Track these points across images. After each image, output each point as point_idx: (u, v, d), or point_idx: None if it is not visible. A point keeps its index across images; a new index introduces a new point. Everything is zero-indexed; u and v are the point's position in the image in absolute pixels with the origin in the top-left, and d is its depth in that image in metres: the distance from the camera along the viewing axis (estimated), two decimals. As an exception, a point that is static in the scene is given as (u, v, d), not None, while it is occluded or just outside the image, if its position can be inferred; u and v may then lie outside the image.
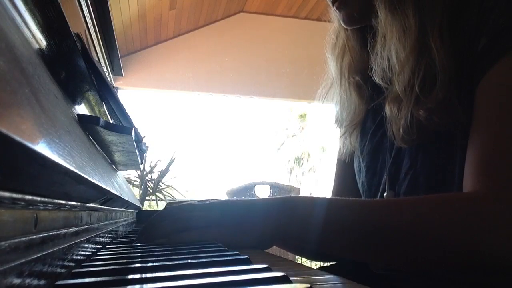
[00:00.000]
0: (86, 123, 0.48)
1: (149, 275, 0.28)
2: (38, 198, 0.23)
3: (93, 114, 0.66)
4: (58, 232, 0.28)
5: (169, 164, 3.71)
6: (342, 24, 0.67)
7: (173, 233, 0.51)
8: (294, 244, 0.66)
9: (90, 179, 0.30)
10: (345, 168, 0.78)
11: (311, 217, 0.50)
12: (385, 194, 0.63)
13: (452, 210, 0.46)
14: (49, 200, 0.25)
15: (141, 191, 3.47)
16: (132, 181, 3.49)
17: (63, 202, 0.29)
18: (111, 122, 0.60)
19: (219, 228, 0.51)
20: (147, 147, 0.95)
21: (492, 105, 0.49)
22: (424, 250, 0.47)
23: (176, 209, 0.54)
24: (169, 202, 0.67)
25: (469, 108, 0.51)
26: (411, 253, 0.48)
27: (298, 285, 0.24)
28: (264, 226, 0.51)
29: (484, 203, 0.45)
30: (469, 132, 0.51)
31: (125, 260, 0.37)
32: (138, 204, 1.16)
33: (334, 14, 0.69)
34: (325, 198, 0.54)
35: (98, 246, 0.47)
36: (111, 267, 0.32)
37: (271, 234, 0.52)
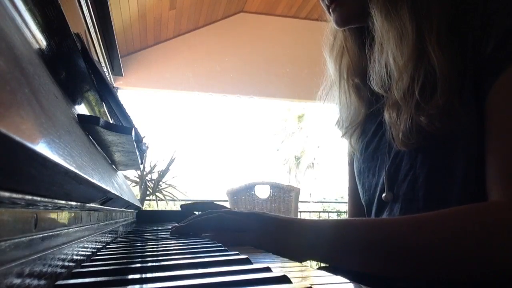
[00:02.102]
0: (86, 123, 0.48)
1: (149, 275, 0.28)
2: (38, 198, 0.23)
3: (93, 114, 0.66)
4: (58, 232, 0.28)
5: (169, 164, 3.70)
6: (335, 25, 0.67)
7: (220, 231, 0.58)
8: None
9: (90, 179, 0.30)
10: (353, 168, 0.79)
11: (335, 240, 0.52)
12: (384, 195, 0.62)
13: (483, 221, 0.45)
14: (49, 200, 0.25)
15: (141, 191, 3.47)
16: (132, 181, 3.49)
17: (63, 202, 0.29)
18: (111, 122, 0.60)
19: (256, 235, 0.55)
20: (147, 147, 0.95)
21: (508, 110, 0.48)
22: (457, 264, 0.46)
23: (222, 212, 0.61)
24: (203, 202, 0.73)
25: (473, 111, 0.51)
26: (446, 269, 0.47)
27: (298, 285, 0.24)
28: (293, 246, 0.54)
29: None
30: (473, 134, 0.50)
31: (125, 260, 0.37)
32: (138, 204, 1.16)
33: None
34: (343, 219, 0.56)
35: (98, 246, 0.47)
36: (111, 267, 0.32)
37: (300, 255, 0.54)
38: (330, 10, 0.65)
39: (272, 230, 0.56)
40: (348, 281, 0.30)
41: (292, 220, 0.57)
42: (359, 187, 0.72)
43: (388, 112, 0.58)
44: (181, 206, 0.78)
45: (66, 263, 0.30)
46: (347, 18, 0.64)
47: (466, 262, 0.45)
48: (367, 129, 0.69)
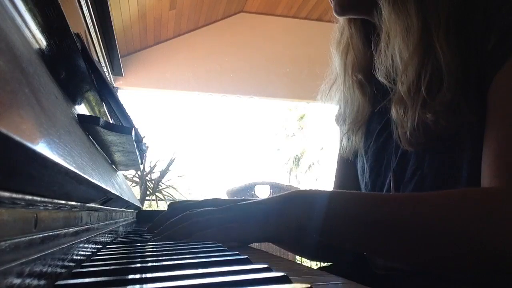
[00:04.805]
0: (86, 123, 0.48)
1: (149, 275, 0.28)
2: (38, 198, 0.23)
3: (93, 114, 0.66)
4: (58, 232, 0.28)
5: (169, 164, 3.70)
6: (334, 14, 0.67)
7: (196, 232, 0.53)
8: (296, 241, 0.66)
9: (90, 179, 0.30)
10: (346, 166, 0.78)
11: (321, 210, 0.50)
12: None
13: (471, 205, 0.45)
14: (49, 200, 0.25)
15: (141, 191, 3.47)
16: (132, 181, 3.49)
17: (63, 202, 0.29)
18: (111, 122, 0.60)
19: (234, 225, 0.53)
20: (147, 147, 0.95)
21: (507, 102, 0.48)
22: (442, 247, 0.45)
23: (192, 215, 0.57)
24: (172, 202, 0.69)
25: (478, 109, 0.50)
26: (428, 251, 0.47)
27: (298, 285, 0.24)
28: (276, 222, 0.52)
29: (504, 197, 0.44)
30: (478, 133, 0.50)
31: (125, 260, 0.37)
32: (138, 204, 1.16)
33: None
34: (336, 190, 0.54)
35: (98, 246, 0.47)
36: (111, 267, 0.32)
37: (283, 230, 0.53)
38: None
39: (246, 211, 0.54)
40: (348, 281, 0.30)
41: (266, 198, 0.56)
42: (361, 186, 0.72)
43: (395, 108, 0.57)
44: (170, 204, 0.74)
45: (66, 263, 0.30)
46: (346, 5, 0.64)
47: (454, 246, 0.45)
48: (373, 129, 0.69)
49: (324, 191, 0.53)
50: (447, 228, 0.45)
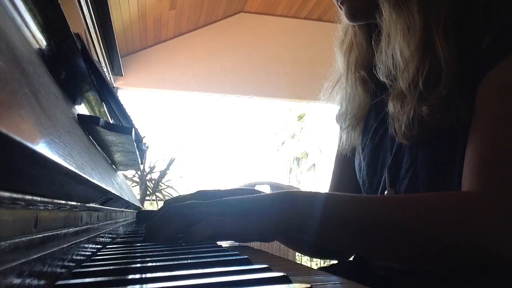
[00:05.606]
0: (86, 123, 0.48)
1: (149, 275, 0.28)
2: (38, 198, 0.23)
3: (93, 114, 0.66)
4: (58, 232, 0.28)
5: (169, 164, 3.71)
6: (346, 20, 0.67)
7: (184, 228, 0.51)
8: (294, 238, 0.66)
9: (90, 179, 0.30)
10: (344, 164, 0.78)
11: (311, 211, 0.50)
12: (386, 192, 0.63)
13: (450, 208, 0.45)
14: (49, 200, 0.25)
15: (141, 191, 3.48)
16: (133, 181, 3.49)
17: (63, 202, 0.29)
18: (111, 122, 0.60)
19: (225, 218, 0.50)
20: (147, 147, 0.95)
21: (492, 104, 0.48)
22: (420, 247, 0.46)
23: (182, 206, 0.54)
24: (167, 200, 0.67)
25: (471, 106, 0.51)
26: (407, 250, 0.48)
27: (298, 285, 0.24)
28: (267, 219, 0.50)
29: (482, 201, 0.44)
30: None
31: (125, 260, 0.37)
32: (138, 204, 1.16)
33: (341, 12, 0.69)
34: (325, 192, 0.54)
35: (98, 246, 0.47)
36: (111, 267, 0.32)
37: (273, 227, 0.51)
38: (339, 3, 0.66)
39: (238, 206, 0.52)
40: (348, 281, 0.30)
41: (259, 195, 0.54)
42: (360, 183, 0.72)
43: (393, 102, 0.58)
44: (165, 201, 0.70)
45: (66, 263, 0.30)
46: (355, 12, 0.65)
47: (435, 247, 0.45)
48: (370, 126, 0.70)
49: (319, 193, 0.52)
50: (427, 231, 0.46)
